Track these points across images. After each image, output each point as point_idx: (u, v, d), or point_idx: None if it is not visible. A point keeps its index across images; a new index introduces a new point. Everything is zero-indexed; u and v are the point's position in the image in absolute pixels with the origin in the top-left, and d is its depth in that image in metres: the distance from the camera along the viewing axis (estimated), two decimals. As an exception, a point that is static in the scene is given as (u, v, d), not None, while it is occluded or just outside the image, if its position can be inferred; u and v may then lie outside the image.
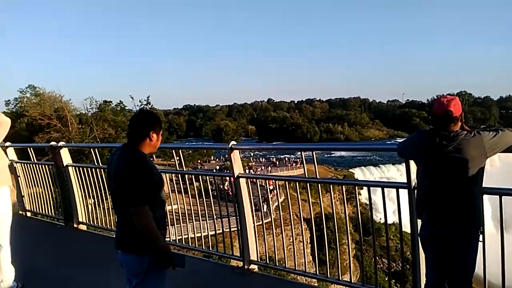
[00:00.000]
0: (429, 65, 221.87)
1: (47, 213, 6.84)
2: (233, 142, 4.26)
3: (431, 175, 2.80)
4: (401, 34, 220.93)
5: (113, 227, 5.86)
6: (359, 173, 53.48)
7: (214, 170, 45.79)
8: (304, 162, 3.96)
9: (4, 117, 4.01)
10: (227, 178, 5.56)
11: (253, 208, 4.52)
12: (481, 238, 2.78)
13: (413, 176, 3.24)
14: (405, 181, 3.32)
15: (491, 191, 2.91)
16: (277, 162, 56.39)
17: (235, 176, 4.26)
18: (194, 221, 5.01)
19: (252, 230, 4.38)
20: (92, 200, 6.15)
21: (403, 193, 3.39)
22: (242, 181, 4.30)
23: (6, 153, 6.38)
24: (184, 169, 5.09)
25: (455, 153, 2.67)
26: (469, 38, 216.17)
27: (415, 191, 3.25)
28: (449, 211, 2.74)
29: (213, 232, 4.92)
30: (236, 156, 4.29)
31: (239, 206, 4.34)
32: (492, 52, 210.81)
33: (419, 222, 3.04)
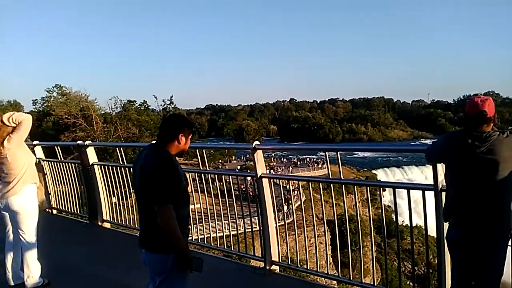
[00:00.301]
0: (455, 64, 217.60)
1: (72, 211, 6.97)
2: (257, 142, 4.25)
3: (462, 177, 2.72)
4: (427, 33, 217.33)
5: (136, 226, 5.93)
6: (382, 174, 52.80)
7: (236, 170, 46.07)
8: (328, 162, 3.92)
9: (24, 114, 4.09)
10: (249, 178, 5.55)
11: (275, 208, 4.50)
12: (510, 243, 2.70)
13: (440, 178, 3.17)
14: (431, 183, 3.25)
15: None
16: (299, 163, 56.14)
17: (258, 176, 4.25)
18: (216, 220, 5.03)
19: (274, 231, 4.36)
20: (116, 198, 6.24)
21: (429, 195, 3.32)
22: (265, 181, 4.28)
23: (34, 152, 6.53)
24: (207, 169, 5.10)
25: (487, 154, 2.60)
26: (495, 37, 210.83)
27: (442, 193, 3.18)
28: (479, 214, 2.66)
29: (235, 232, 4.93)
30: (259, 156, 4.27)
31: (262, 207, 4.32)
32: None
33: (445, 225, 2.98)
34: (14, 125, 3.90)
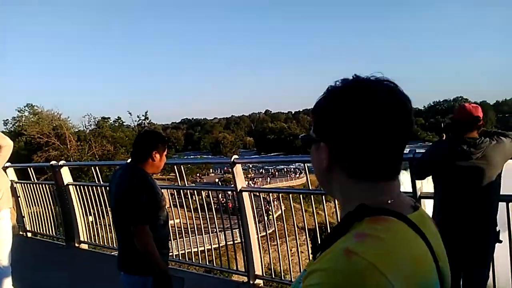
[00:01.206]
0: (424, 71, 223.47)
1: (48, 233, 6.77)
2: (235, 156, 4.24)
3: (455, 183, 2.75)
4: (394, 40, 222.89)
5: (115, 245, 5.80)
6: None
7: (216, 182, 45.75)
8: (307, 173, 3.93)
9: (7, 140, 3.98)
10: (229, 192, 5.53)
11: (256, 221, 4.48)
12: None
13: (418, 185, 3.22)
14: (408, 189, 3.29)
15: (503, 198, 2.88)
16: (276, 173, 56.28)
17: (238, 190, 4.23)
18: (196, 235, 4.97)
19: (257, 245, 4.33)
20: (91, 218, 6.10)
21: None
22: (245, 195, 4.26)
23: (6, 174, 6.34)
24: (186, 184, 5.05)
25: (482, 160, 2.65)
26: (463, 44, 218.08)
27: (420, 200, 3.23)
28: (474, 220, 2.70)
29: (215, 246, 4.87)
30: (238, 170, 4.26)
31: (243, 220, 4.29)
32: (486, 58, 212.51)
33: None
34: None
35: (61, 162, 6.17)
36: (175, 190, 5.10)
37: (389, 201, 0.75)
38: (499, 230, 2.75)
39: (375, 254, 0.65)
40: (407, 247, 0.70)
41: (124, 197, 2.63)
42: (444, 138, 3.02)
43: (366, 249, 0.66)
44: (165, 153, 2.89)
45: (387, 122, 0.73)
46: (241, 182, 4.29)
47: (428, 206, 3.24)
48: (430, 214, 2.96)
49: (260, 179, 47.05)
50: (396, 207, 0.75)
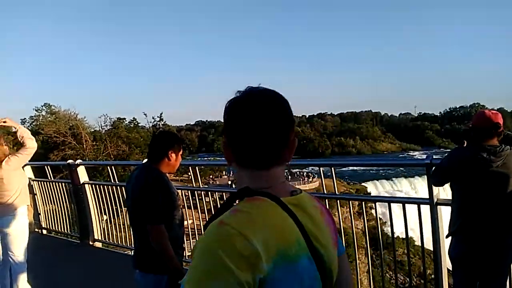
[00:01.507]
0: (440, 77, 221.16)
1: (63, 230, 6.86)
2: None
3: (475, 191, 2.69)
4: (412, 47, 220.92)
5: (128, 245, 5.85)
6: (372, 187, 52.89)
7: (228, 184, 45.77)
8: (322, 177, 3.91)
9: (34, 142, 4.12)
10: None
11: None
12: None
13: (435, 192, 3.17)
14: (421, 195, 3.25)
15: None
16: (289, 177, 56.09)
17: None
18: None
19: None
20: (106, 217, 6.16)
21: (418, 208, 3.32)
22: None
23: (24, 171, 6.44)
24: (200, 186, 5.07)
25: (503, 168, 2.61)
26: (480, 50, 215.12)
27: (437, 207, 3.18)
28: (493, 229, 2.64)
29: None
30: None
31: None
32: (505, 64, 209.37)
33: (443, 239, 2.97)
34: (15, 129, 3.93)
35: (78, 161, 6.26)
36: (189, 192, 5.11)
37: (269, 186, 0.94)
38: None
39: (240, 223, 0.84)
40: (270, 219, 0.87)
41: (140, 197, 2.66)
42: (464, 145, 2.95)
43: (234, 220, 0.85)
44: (180, 153, 2.92)
45: (258, 127, 0.93)
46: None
47: (444, 212, 3.20)
48: (447, 221, 2.94)
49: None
50: (274, 191, 0.93)
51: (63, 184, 6.67)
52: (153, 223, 2.60)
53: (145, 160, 3.05)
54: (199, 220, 5.19)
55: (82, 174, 6.21)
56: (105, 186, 6.03)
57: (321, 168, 4.03)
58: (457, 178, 2.80)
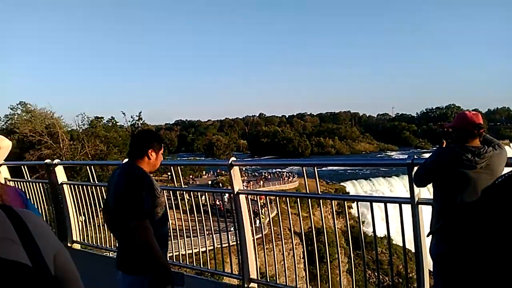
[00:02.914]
0: (417, 79, 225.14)
1: (40, 232, 6.69)
2: (233, 158, 4.22)
3: (460, 192, 2.70)
4: (389, 48, 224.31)
5: (108, 246, 5.76)
6: (351, 187, 53.58)
7: (208, 184, 45.60)
8: (305, 177, 3.92)
9: (7, 141, 3.96)
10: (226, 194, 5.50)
11: (252, 225, 4.46)
12: None
13: (416, 191, 3.21)
14: (398, 194, 3.28)
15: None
16: (269, 176, 56.21)
17: (235, 192, 4.21)
18: (191, 237, 4.93)
19: (252, 248, 4.31)
20: (83, 218, 6.05)
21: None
22: (242, 198, 4.25)
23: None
24: (182, 186, 5.03)
25: (486, 169, 2.64)
26: (457, 52, 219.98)
27: (418, 206, 3.22)
28: (474, 231, 2.67)
29: (209, 248, 4.84)
30: (236, 172, 4.24)
31: (239, 224, 4.27)
32: (480, 66, 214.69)
33: (424, 238, 3.01)
34: None
35: (56, 161, 6.12)
36: (170, 192, 5.06)
37: None
38: None
39: None
40: None
41: (124, 194, 2.65)
42: (443, 145, 2.98)
43: None
44: (161, 151, 2.92)
45: None
46: (238, 184, 4.27)
47: (425, 212, 3.25)
48: (428, 220, 2.98)
49: (251, 182, 46.81)
50: None
51: (40, 184, 6.52)
52: (138, 218, 2.59)
53: (126, 160, 3.03)
54: (181, 221, 5.15)
55: (60, 174, 6.07)
56: (84, 186, 5.91)
57: (304, 168, 4.04)
58: (441, 178, 2.83)
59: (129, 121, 34.63)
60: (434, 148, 3.05)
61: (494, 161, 2.65)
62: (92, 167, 5.97)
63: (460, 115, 2.83)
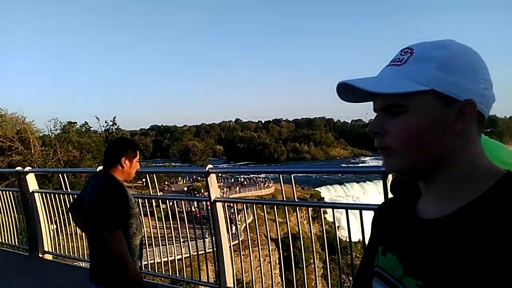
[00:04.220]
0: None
1: (10, 242, 6.49)
2: (210, 166, 4.20)
3: None
4: (361, 55, 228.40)
5: (80, 256, 5.63)
6: (325, 192, 54.19)
7: (184, 190, 45.15)
8: (282, 184, 3.95)
9: None
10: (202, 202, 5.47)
11: (229, 232, 4.45)
12: None
13: (390, 196, 3.27)
14: (379, 202, 3.34)
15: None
16: (245, 182, 56.19)
17: (212, 200, 4.20)
18: (166, 244, 4.86)
19: (229, 256, 4.29)
20: (55, 226, 5.90)
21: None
22: (219, 205, 4.23)
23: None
24: (158, 193, 4.98)
25: None
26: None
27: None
28: None
29: (187, 255, 4.80)
30: (212, 180, 4.22)
31: (216, 231, 4.25)
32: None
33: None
34: None
35: (27, 168, 5.95)
36: (145, 199, 5.00)
37: None
38: None
39: None
40: None
41: (96, 204, 2.61)
42: None
43: None
44: (136, 159, 2.87)
45: None
46: (215, 192, 4.25)
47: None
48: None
49: (225, 188, 46.62)
50: None
51: (10, 193, 6.33)
52: (111, 229, 2.54)
53: (99, 168, 2.99)
54: (156, 228, 5.08)
55: (32, 182, 5.91)
56: (57, 195, 5.77)
57: (281, 176, 4.06)
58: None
59: (103, 126, 34.07)
60: None
61: None
62: (65, 174, 5.85)
63: None
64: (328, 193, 54.45)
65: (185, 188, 47.20)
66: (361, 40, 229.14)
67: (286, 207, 4.08)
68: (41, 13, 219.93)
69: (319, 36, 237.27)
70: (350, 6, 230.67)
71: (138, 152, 2.90)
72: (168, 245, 4.81)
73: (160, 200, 5.07)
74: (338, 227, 4.14)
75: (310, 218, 3.99)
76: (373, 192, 48.69)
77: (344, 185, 59.36)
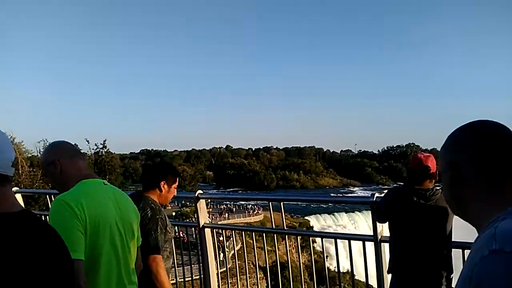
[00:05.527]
0: (379, 117, 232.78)
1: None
2: (200, 191, 4.20)
3: (408, 233, 2.83)
4: (351, 87, 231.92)
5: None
6: (314, 221, 53.91)
7: (172, 215, 44.54)
8: (271, 212, 3.96)
9: None
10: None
11: (217, 259, 4.42)
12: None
13: (379, 229, 3.30)
14: (368, 233, 3.36)
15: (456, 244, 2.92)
16: (234, 209, 55.72)
17: (201, 225, 4.18)
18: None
19: (216, 284, 4.24)
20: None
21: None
22: (207, 231, 4.21)
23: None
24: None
25: (432, 211, 2.74)
26: (415, 93, 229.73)
27: (381, 244, 3.30)
28: (423, 269, 2.77)
29: (173, 282, 4.72)
30: (202, 205, 4.21)
31: (203, 257, 4.21)
32: (438, 106, 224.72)
33: (385, 275, 3.09)
34: None
35: (14, 189, 5.87)
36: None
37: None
38: (452, 277, 2.83)
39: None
40: None
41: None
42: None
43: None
44: (174, 185, 2.89)
45: None
46: (204, 218, 4.24)
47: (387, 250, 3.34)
48: (388, 258, 3.07)
49: (214, 214, 46.15)
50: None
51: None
52: (151, 253, 2.51)
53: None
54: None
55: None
56: (43, 216, 5.69)
57: (270, 203, 4.08)
58: (391, 219, 2.95)
59: (93, 149, 33.68)
60: (395, 185, 3.18)
61: (441, 203, 2.74)
62: (52, 196, 5.79)
63: (414, 156, 2.95)
64: (317, 222, 54.21)
65: (173, 213, 46.56)
66: (352, 70, 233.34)
67: (275, 235, 4.08)
68: (26, 26, 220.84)
69: (310, 66, 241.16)
70: (341, 37, 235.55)
71: (178, 178, 2.93)
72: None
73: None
74: (327, 257, 4.14)
75: (299, 247, 3.99)
76: (362, 222, 48.61)
77: (333, 214, 59.15)
